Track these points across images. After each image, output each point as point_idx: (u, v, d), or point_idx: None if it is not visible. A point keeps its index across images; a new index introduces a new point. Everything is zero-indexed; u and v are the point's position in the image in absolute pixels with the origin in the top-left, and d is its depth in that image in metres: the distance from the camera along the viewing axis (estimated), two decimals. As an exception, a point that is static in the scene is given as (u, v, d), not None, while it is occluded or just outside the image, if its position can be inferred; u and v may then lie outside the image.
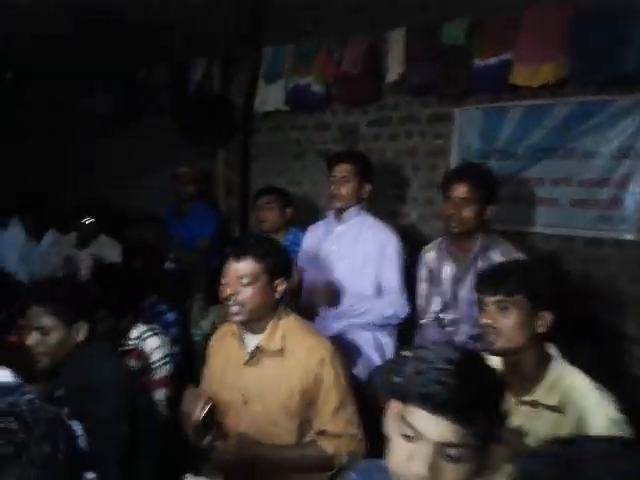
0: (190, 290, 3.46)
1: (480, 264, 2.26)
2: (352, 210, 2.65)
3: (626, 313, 2.66)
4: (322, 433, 1.80)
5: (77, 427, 1.87)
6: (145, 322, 2.48)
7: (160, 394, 2.34)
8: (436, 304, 2.42)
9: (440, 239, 2.49)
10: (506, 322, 1.56)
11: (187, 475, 1.75)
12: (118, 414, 1.86)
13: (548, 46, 2.72)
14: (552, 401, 1.53)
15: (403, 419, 0.97)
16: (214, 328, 2.99)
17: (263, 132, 4.12)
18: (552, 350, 1.60)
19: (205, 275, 3.56)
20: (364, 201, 2.67)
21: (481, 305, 1.62)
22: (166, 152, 4.42)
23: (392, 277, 2.54)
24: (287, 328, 1.85)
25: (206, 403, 1.76)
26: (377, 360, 2.52)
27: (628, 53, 2.50)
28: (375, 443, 1.84)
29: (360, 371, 2.43)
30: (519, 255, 2.24)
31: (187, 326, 3.11)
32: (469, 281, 2.29)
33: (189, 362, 2.89)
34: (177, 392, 2.44)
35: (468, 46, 2.94)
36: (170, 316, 2.86)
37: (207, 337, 3.03)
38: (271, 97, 3.82)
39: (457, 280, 2.36)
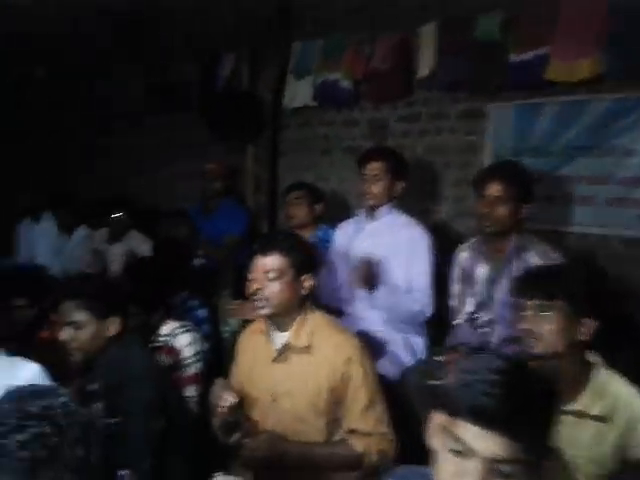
0: (218, 286, 3.47)
1: (515, 265, 2.21)
2: (384, 208, 2.62)
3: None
4: (352, 432, 1.78)
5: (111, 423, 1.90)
6: (176, 318, 2.49)
7: (190, 391, 2.34)
8: (470, 305, 2.38)
9: (474, 239, 2.44)
10: (545, 327, 1.52)
11: (217, 473, 1.76)
12: (150, 409, 1.87)
13: (585, 41, 2.63)
14: (597, 411, 1.48)
15: (450, 433, 0.94)
16: (242, 325, 3.00)
17: (292, 128, 4.10)
18: (593, 357, 1.55)
19: (233, 272, 3.57)
20: (396, 199, 2.64)
21: (519, 309, 1.58)
22: (195, 148, 4.44)
23: (421, 275, 2.50)
24: (314, 325, 1.84)
25: (233, 398, 1.75)
26: (408, 359, 2.50)
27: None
28: (406, 443, 1.84)
29: (390, 370, 2.39)
30: (555, 256, 2.18)
31: (216, 323, 3.12)
32: (504, 282, 2.25)
33: (218, 359, 2.90)
34: (206, 389, 2.45)
35: (502, 40, 2.87)
36: (201, 312, 2.87)
37: (235, 334, 3.04)
38: (300, 93, 3.80)
39: (491, 281, 2.31)
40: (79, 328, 1.89)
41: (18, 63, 4.98)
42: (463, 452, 0.93)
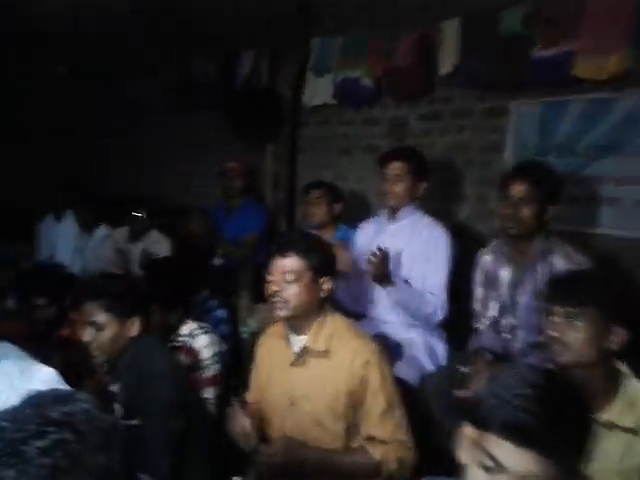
0: (237, 286, 3.46)
1: (540, 268, 2.16)
2: (406, 209, 2.59)
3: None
4: (370, 439, 1.75)
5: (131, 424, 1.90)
6: (196, 319, 2.48)
7: (209, 393, 2.34)
8: (493, 309, 2.33)
9: (496, 241, 2.39)
10: (575, 335, 1.47)
11: (235, 478, 1.74)
12: (169, 410, 1.87)
13: (612, 36, 2.56)
14: (628, 422, 1.43)
15: (481, 448, 0.91)
16: (262, 326, 2.99)
17: (311, 126, 4.08)
18: (623, 367, 1.50)
19: (251, 271, 3.55)
20: (418, 200, 2.60)
21: (547, 315, 1.53)
22: (214, 146, 4.44)
23: (436, 276, 2.47)
24: (333, 328, 1.81)
25: (249, 425, 1.73)
26: (428, 364, 2.46)
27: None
28: (425, 450, 1.81)
29: (410, 374, 2.35)
30: (581, 259, 2.12)
31: (235, 323, 3.10)
32: (528, 286, 2.20)
33: (237, 360, 2.89)
34: (225, 390, 2.44)
35: (527, 36, 2.80)
36: (220, 313, 2.86)
37: (254, 335, 3.03)
38: (319, 90, 3.77)
39: (515, 284, 2.26)
40: (101, 329, 1.90)
41: (41, 61, 5.01)
42: (494, 469, 0.89)
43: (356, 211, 3.61)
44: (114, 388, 2.01)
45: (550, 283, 1.58)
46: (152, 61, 4.75)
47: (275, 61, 4.13)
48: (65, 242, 4.32)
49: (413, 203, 2.60)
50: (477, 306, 2.42)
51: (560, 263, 2.12)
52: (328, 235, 3.10)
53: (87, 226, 4.21)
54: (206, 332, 2.41)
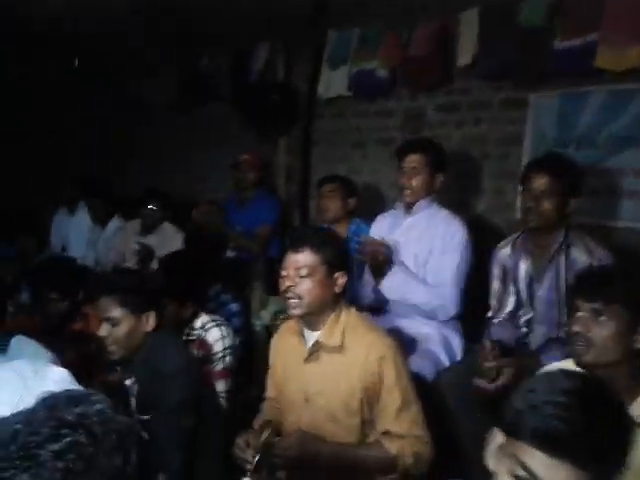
0: (250, 279, 3.44)
1: (560, 262, 2.12)
2: (423, 202, 2.54)
3: None
4: (386, 433, 1.73)
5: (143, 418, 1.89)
6: (209, 312, 2.47)
7: (220, 386, 2.33)
8: (510, 303, 2.30)
9: (515, 234, 2.35)
10: (600, 332, 1.42)
11: (246, 477, 1.72)
12: (182, 407, 1.87)
13: (634, 27, 2.51)
14: None
15: (514, 457, 0.87)
16: (275, 319, 2.97)
17: (325, 118, 4.04)
18: None
19: (264, 263, 3.54)
20: (435, 193, 2.56)
21: (572, 310, 1.48)
22: (228, 139, 4.41)
23: (448, 269, 2.43)
24: (347, 323, 1.78)
25: (254, 456, 1.69)
26: (444, 358, 2.43)
27: None
28: (441, 445, 1.78)
29: (426, 368, 2.32)
30: (602, 253, 2.08)
31: (248, 316, 3.09)
32: (548, 280, 2.15)
33: (249, 353, 2.87)
34: (236, 384, 2.43)
35: (547, 27, 2.74)
36: (234, 306, 2.85)
37: (267, 327, 3.02)
38: (334, 83, 3.72)
39: (534, 278, 2.22)
40: (116, 324, 1.89)
41: (56, 57, 5.01)
42: (527, 478, 0.85)
43: (370, 204, 3.57)
44: (129, 382, 2.01)
45: (577, 278, 1.54)
46: (167, 56, 4.73)
47: (290, 54, 4.08)
48: (78, 235, 4.32)
49: (430, 196, 2.56)
50: (494, 301, 2.39)
51: (581, 257, 2.08)
52: (342, 229, 3.08)
53: (100, 219, 4.21)
54: (219, 325, 2.40)
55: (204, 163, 4.73)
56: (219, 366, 2.35)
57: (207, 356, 2.34)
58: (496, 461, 0.91)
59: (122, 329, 1.89)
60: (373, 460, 1.72)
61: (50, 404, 0.78)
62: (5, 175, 5.10)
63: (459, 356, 2.48)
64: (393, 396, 1.71)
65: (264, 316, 3.12)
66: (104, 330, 1.89)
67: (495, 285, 2.37)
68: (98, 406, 0.80)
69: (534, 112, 2.97)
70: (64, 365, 1.43)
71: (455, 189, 3.23)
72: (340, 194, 3.16)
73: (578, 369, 1.41)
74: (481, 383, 2.02)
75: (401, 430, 1.70)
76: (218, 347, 2.35)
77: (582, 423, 0.82)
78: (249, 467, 1.68)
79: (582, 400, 0.84)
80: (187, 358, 2.05)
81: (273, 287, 3.23)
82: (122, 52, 4.74)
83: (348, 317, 1.80)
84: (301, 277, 1.73)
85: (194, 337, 2.38)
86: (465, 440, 2.16)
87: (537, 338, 2.22)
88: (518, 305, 2.29)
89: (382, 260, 2.45)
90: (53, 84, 5.25)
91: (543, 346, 2.17)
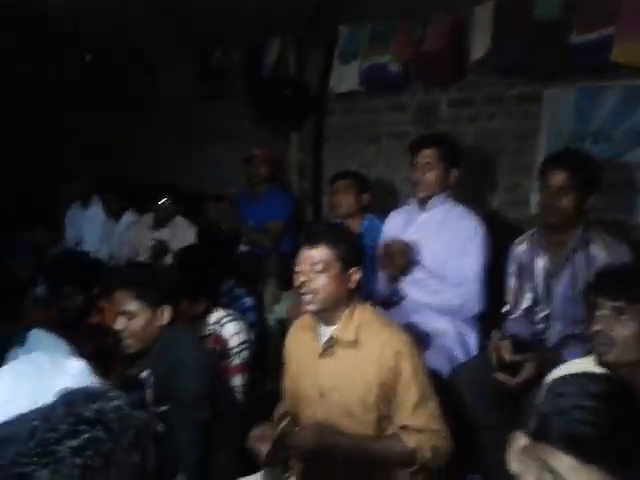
0: (263, 273, 3.45)
1: (578, 258, 2.10)
2: (437, 198, 2.52)
3: None
4: (404, 428, 1.73)
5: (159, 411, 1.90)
6: (223, 307, 2.47)
7: (236, 381, 2.33)
8: (527, 300, 2.28)
9: (532, 231, 2.32)
10: (622, 331, 1.40)
11: (264, 469, 1.73)
12: (198, 400, 1.88)
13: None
14: None
15: (540, 461, 0.86)
16: (287, 313, 2.97)
17: (337, 114, 4.02)
18: None
19: (277, 259, 3.54)
20: (450, 188, 2.53)
21: (594, 308, 1.46)
22: (240, 134, 4.41)
23: (468, 268, 2.41)
24: (362, 319, 1.78)
25: (266, 447, 1.70)
26: (460, 354, 2.41)
27: None
28: (458, 440, 1.78)
29: (441, 364, 2.31)
30: (622, 249, 2.06)
31: (261, 310, 3.10)
32: (565, 276, 2.13)
33: (263, 347, 2.88)
34: (251, 378, 2.44)
35: (563, 20, 2.70)
36: (248, 300, 2.86)
37: (282, 322, 3.03)
38: (346, 78, 3.70)
39: (551, 274, 2.19)
40: (132, 317, 1.91)
41: (66, 47, 5.02)
42: None
43: (383, 200, 3.56)
44: (144, 375, 2.02)
45: (598, 276, 1.52)
46: (180, 48, 4.72)
47: (302, 49, 4.06)
48: (92, 229, 4.35)
49: (445, 192, 2.53)
50: (509, 296, 2.37)
51: (600, 253, 2.06)
52: (355, 225, 3.07)
53: (114, 213, 4.23)
54: (234, 320, 2.41)
55: (216, 158, 4.74)
56: (235, 361, 2.36)
57: (223, 351, 2.35)
58: (520, 464, 0.90)
59: (138, 322, 1.91)
60: (391, 453, 1.72)
61: (68, 400, 0.78)
62: (14, 165, 5.14)
63: (474, 352, 2.47)
64: (410, 391, 1.70)
65: (277, 310, 3.13)
66: (120, 323, 1.91)
67: (511, 281, 2.35)
68: (115, 402, 0.80)
69: (549, 107, 2.94)
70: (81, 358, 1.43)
71: (469, 185, 3.19)
72: (353, 190, 3.15)
73: (599, 368, 1.40)
74: (502, 377, 2.00)
75: (419, 424, 1.70)
76: (234, 342, 2.36)
77: (610, 427, 0.81)
78: (262, 459, 1.69)
79: (610, 404, 0.83)
80: (203, 352, 2.06)
81: (286, 282, 3.25)
82: (135, 48, 4.75)
83: (363, 313, 1.80)
84: (316, 273, 1.73)
85: (209, 332, 2.38)
86: (482, 435, 2.15)
87: (554, 335, 2.20)
88: (535, 302, 2.27)
89: (403, 264, 2.43)
90: (62, 80, 5.27)
91: (560, 343, 2.15)
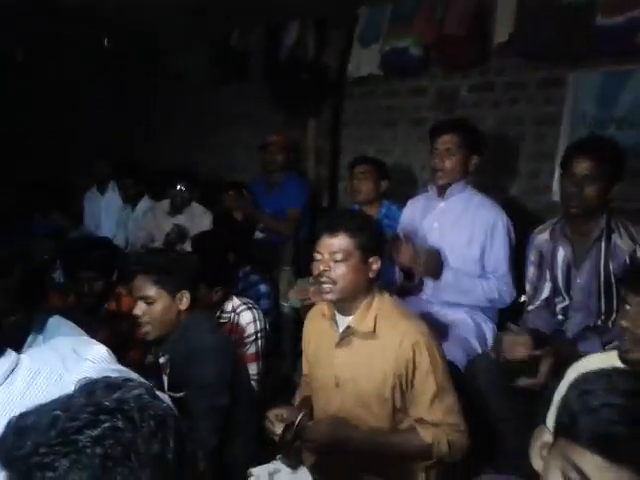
0: (278, 260, 3.44)
1: (601, 249, 2.05)
2: (457, 185, 2.47)
3: None
4: (420, 421, 1.71)
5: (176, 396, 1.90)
6: (238, 293, 2.47)
7: (252, 369, 2.33)
8: (546, 290, 2.24)
9: (554, 220, 2.28)
10: None
11: (279, 456, 1.72)
12: (219, 383, 1.88)
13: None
14: None
15: (567, 459, 0.83)
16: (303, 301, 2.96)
17: (355, 98, 3.97)
18: None
19: (294, 246, 3.52)
20: (469, 175, 2.49)
21: (622, 303, 1.42)
22: (257, 119, 4.38)
23: (499, 259, 2.38)
24: (380, 310, 1.75)
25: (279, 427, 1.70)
26: (476, 344, 2.38)
27: None
28: (475, 431, 1.76)
29: (457, 356, 2.27)
30: (647, 239, 2.01)
31: (276, 298, 3.09)
32: (587, 267, 2.09)
33: (277, 335, 2.88)
34: (266, 366, 2.44)
35: (589, 3, 2.63)
36: (263, 287, 2.86)
37: (295, 310, 3.02)
38: (365, 61, 3.64)
39: (572, 265, 2.15)
40: (152, 303, 1.91)
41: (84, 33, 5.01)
42: None
43: (400, 186, 3.52)
44: (162, 360, 2.03)
45: (626, 270, 1.48)
46: (194, 32, 4.68)
47: (321, 32, 3.99)
48: (108, 214, 4.36)
49: (465, 179, 2.49)
50: (528, 285, 2.34)
51: (623, 243, 2.02)
52: (373, 211, 3.05)
53: (130, 199, 4.23)
54: (250, 308, 2.40)
55: (232, 143, 4.72)
56: (252, 349, 2.36)
57: (239, 339, 2.35)
58: (543, 461, 0.88)
59: (157, 308, 1.91)
60: (408, 447, 1.71)
61: (88, 390, 0.77)
62: (29, 151, 5.17)
63: (491, 342, 2.44)
64: (428, 384, 1.68)
65: (292, 298, 3.12)
66: (139, 309, 1.91)
67: (531, 271, 2.32)
68: (136, 392, 0.79)
69: (573, 91, 2.88)
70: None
71: (489, 171, 3.14)
72: (373, 176, 3.12)
73: (621, 363, 1.36)
74: (525, 382, 1.98)
75: (435, 418, 1.68)
76: (250, 330, 2.36)
77: None
78: (278, 440, 1.68)
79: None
80: (222, 338, 2.06)
81: (301, 269, 3.24)
82: (152, 30, 4.72)
83: (381, 303, 1.77)
84: (336, 262, 1.71)
85: (225, 320, 2.38)
86: (497, 426, 2.13)
87: (573, 326, 2.16)
88: (554, 292, 2.24)
89: (433, 268, 2.39)
90: (79, 64, 5.26)
91: (580, 334, 2.12)
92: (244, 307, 2.39)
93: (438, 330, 2.30)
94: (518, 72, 3.06)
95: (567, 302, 2.20)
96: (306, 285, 2.67)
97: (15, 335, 1.54)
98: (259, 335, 2.37)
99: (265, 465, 1.65)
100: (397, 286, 2.64)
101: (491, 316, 2.48)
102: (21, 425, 0.73)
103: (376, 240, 1.78)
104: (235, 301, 2.40)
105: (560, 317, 2.24)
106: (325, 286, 1.72)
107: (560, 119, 2.93)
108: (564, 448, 0.84)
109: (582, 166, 2.04)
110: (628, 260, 1.99)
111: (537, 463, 0.90)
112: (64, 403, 0.75)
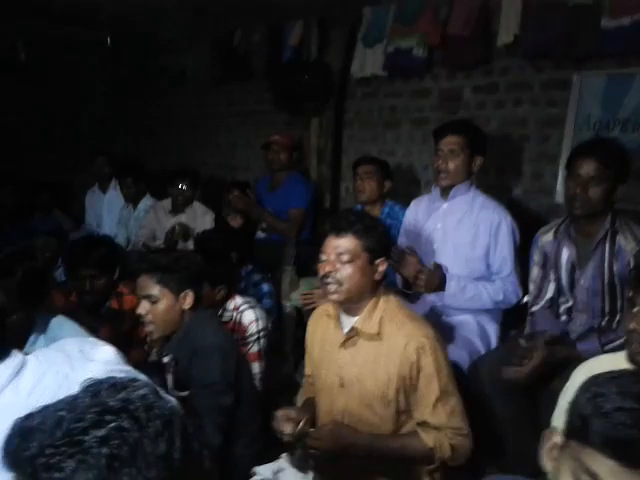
0: (281, 260, 3.43)
1: (605, 250, 2.05)
2: (461, 186, 2.47)
3: None
4: (423, 424, 1.70)
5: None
6: (240, 292, 2.46)
7: (255, 368, 2.33)
8: (550, 291, 2.23)
9: (558, 220, 2.27)
10: None
11: (283, 455, 1.72)
12: (223, 382, 1.88)
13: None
14: None
15: (579, 462, 0.82)
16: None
17: (357, 98, 3.96)
18: None
19: (296, 245, 3.52)
20: (474, 176, 2.48)
21: (629, 305, 1.41)
22: (259, 118, 4.37)
23: (503, 260, 2.37)
24: (385, 311, 1.75)
25: (290, 429, 1.69)
26: (480, 347, 2.38)
27: None
28: (478, 432, 1.75)
29: (461, 356, 2.27)
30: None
31: (278, 297, 3.09)
32: (591, 268, 2.09)
33: (279, 334, 2.87)
34: (268, 365, 2.43)
35: (595, 4, 2.62)
36: (265, 287, 2.85)
37: (298, 309, 3.01)
38: (369, 62, 3.62)
39: (577, 266, 2.15)
40: (155, 302, 1.90)
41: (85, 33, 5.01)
42: None
43: (403, 187, 3.51)
44: (166, 359, 2.02)
45: (634, 271, 1.46)
46: (195, 31, 4.68)
47: (324, 31, 3.98)
48: (110, 213, 4.36)
49: (469, 180, 2.48)
50: (532, 286, 2.33)
51: (627, 244, 2.02)
52: (376, 211, 3.05)
53: (132, 197, 4.23)
54: (253, 307, 2.40)
55: (234, 142, 4.71)
56: (254, 348, 2.36)
57: (242, 338, 2.34)
58: (554, 463, 0.87)
59: (161, 307, 1.90)
60: (409, 451, 1.70)
61: (93, 390, 0.77)
62: (33, 148, 5.17)
63: (494, 343, 2.44)
64: (431, 387, 1.67)
65: (294, 297, 3.11)
66: (143, 308, 1.91)
67: (534, 271, 2.31)
68: (141, 391, 0.79)
69: (578, 93, 2.86)
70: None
71: (492, 172, 3.15)
72: (376, 176, 3.11)
73: (630, 365, 1.35)
74: (509, 372, 2.00)
75: (438, 422, 1.68)
76: (252, 329, 2.35)
77: None
78: (287, 439, 1.68)
79: None
80: (226, 337, 2.06)
81: (303, 269, 3.24)
82: (153, 29, 4.72)
83: (387, 304, 1.76)
84: (342, 263, 1.70)
85: (227, 319, 2.38)
86: (500, 426, 2.13)
87: (577, 326, 2.16)
88: (558, 292, 2.23)
89: (435, 286, 2.37)
90: (79, 65, 5.26)
91: (583, 335, 2.11)
92: (246, 306, 2.38)
93: (442, 331, 2.29)
94: (522, 73, 3.05)
95: (571, 303, 2.20)
96: (310, 288, 2.66)
97: (17, 334, 1.53)
98: (261, 334, 2.37)
99: (269, 464, 1.65)
100: (397, 287, 2.63)
101: (495, 317, 2.47)
102: (27, 426, 0.73)
103: (383, 242, 1.77)
104: (237, 300, 2.40)
105: (564, 318, 2.23)
106: (330, 287, 1.72)
107: (564, 120, 2.92)
108: (576, 450, 0.83)
109: (587, 168, 2.03)
110: (632, 261, 1.99)
111: (547, 464, 0.90)
112: (69, 404, 0.75)
